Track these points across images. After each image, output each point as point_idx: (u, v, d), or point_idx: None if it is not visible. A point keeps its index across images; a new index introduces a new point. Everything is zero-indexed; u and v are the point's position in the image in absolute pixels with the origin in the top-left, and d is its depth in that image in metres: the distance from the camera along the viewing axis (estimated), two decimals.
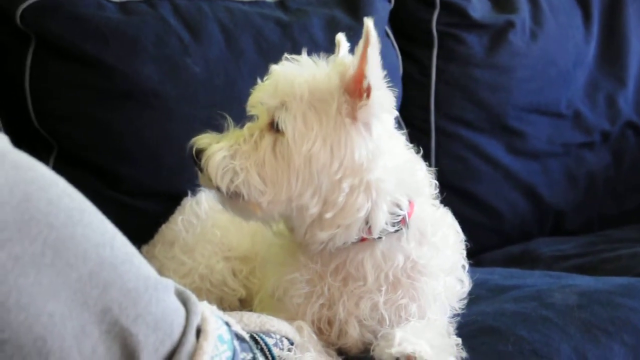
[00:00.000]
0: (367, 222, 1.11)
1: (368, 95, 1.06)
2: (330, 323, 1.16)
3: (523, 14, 2.03)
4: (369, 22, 1.03)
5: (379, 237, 1.13)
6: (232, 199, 1.10)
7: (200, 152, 1.12)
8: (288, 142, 1.07)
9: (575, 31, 2.10)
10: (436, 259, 1.18)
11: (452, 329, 1.18)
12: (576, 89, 2.08)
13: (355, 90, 1.07)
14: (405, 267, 1.15)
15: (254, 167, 1.08)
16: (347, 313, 1.14)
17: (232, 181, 1.09)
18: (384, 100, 1.09)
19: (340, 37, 1.22)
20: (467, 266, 1.26)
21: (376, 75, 1.06)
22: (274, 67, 1.15)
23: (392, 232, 1.13)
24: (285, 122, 1.08)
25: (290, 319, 1.14)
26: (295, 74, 1.11)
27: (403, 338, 1.04)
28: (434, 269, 1.17)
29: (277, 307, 1.18)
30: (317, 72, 1.11)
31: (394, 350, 1.02)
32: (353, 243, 1.12)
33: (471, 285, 1.25)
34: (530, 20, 2.04)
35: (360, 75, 1.05)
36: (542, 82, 2.03)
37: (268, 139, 1.09)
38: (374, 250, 1.14)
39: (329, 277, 1.14)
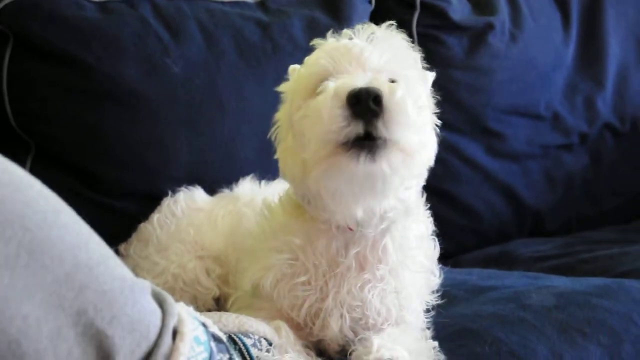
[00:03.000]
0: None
1: None
2: (316, 315, 1.14)
3: (503, 16, 2.04)
4: None
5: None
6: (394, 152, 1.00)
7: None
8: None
9: (554, 34, 2.11)
10: (421, 248, 1.18)
11: (428, 332, 1.18)
12: (555, 91, 2.10)
13: None
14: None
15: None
16: (338, 302, 1.12)
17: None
18: None
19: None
20: (437, 255, 1.24)
21: None
22: None
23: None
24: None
25: (276, 314, 1.14)
26: None
27: (380, 344, 1.04)
28: (420, 259, 1.17)
29: (259, 304, 1.17)
30: None
31: (372, 357, 1.02)
32: None
33: (442, 277, 1.24)
34: (510, 23, 2.05)
35: None
36: (522, 84, 2.04)
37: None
38: (393, 233, 1.13)
39: (337, 268, 1.12)
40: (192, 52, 1.66)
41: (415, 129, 1.00)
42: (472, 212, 2.01)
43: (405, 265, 1.14)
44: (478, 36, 2.00)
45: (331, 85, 1.00)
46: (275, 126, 1.16)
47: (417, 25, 1.98)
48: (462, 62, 1.99)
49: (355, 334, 1.13)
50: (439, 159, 1.93)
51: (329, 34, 1.14)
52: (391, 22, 1.15)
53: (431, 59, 1.96)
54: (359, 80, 0.98)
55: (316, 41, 1.13)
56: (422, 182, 1.14)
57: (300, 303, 1.14)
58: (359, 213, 1.05)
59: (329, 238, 1.12)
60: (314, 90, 1.05)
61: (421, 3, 1.98)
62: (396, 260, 1.13)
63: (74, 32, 1.57)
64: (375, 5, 1.98)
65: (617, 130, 2.19)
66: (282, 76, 1.19)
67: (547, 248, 1.88)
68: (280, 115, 1.15)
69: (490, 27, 2.01)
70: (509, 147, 2.05)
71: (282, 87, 1.16)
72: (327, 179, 1.02)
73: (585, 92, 2.14)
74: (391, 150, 0.98)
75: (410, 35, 1.96)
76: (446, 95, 1.96)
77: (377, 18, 1.95)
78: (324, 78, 1.05)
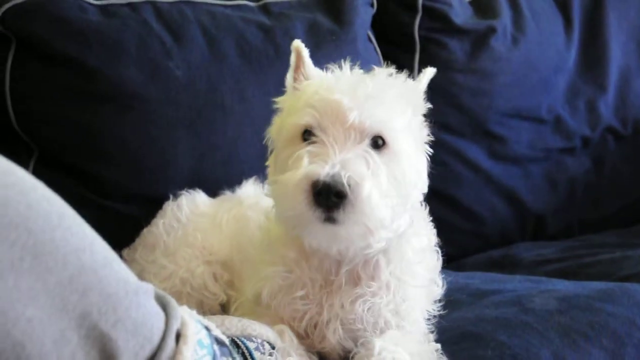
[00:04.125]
0: None
1: None
2: (315, 326, 1.15)
3: (505, 19, 2.04)
4: None
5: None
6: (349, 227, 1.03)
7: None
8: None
9: (556, 37, 2.11)
10: (423, 263, 1.18)
11: (431, 335, 1.18)
12: (557, 94, 2.10)
13: None
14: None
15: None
16: (332, 316, 1.13)
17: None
18: None
19: (299, 44, 1.18)
20: (440, 267, 1.25)
21: None
22: None
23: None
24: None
25: (278, 320, 1.15)
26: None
27: (382, 347, 1.04)
28: (421, 273, 1.17)
29: (261, 311, 1.17)
30: None
31: None
32: None
33: (445, 287, 1.24)
34: (512, 26, 2.05)
35: None
36: (524, 87, 2.04)
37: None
38: (387, 250, 1.13)
39: (332, 285, 1.13)
40: (194, 56, 1.66)
41: (380, 217, 1.02)
42: (475, 215, 2.01)
43: (404, 281, 1.14)
44: (480, 39, 2.00)
45: (304, 163, 1.02)
46: (267, 137, 1.19)
47: (419, 29, 1.98)
48: (464, 65, 1.99)
49: (355, 343, 1.12)
50: (441, 162, 1.95)
51: (325, 68, 1.16)
52: (392, 67, 1.16)
53: (433, 63, 1.97)
54: (326, 168, 0.99)
55: (306, 84, 1.14)
56: (417, 206, 1.16)
57: (300, 316, 1.15)
58: (334, 251, 1.09)
59: (321, 256, 1.13)
60: (298, 138, 1.08)
61: (423, 6, 1.98)
62: (390, 276, 1.13)
63: (76, 35, 1.57)
64: (377, 9, 1.98)
65: (619, 134, 2.19)
66: (284, 79, 1.20)
67: (549, 252, 1.88)
68: (272, 131, 1.17)
69: (492, 30, 2.01)
70: (511, 150, 2.05)
71: (279, 100, 1.18)
72: (299, 234, 1.08)
73: (587, 96, 2.14)
74: (352, 224, 1.01)
75: (412, 38, 1.98)
76: (448, 98, 1.98)
77: (378, 21, 1.96)
78: (308, 128, 1.07)
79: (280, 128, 1.13)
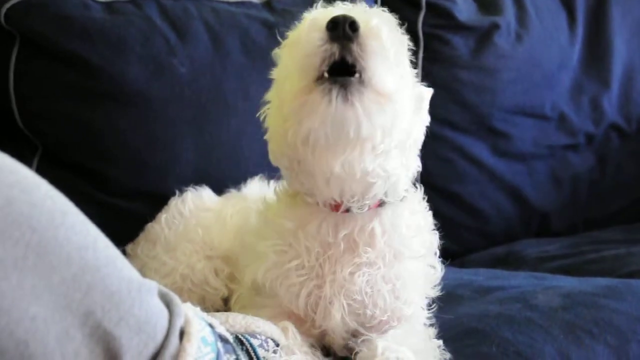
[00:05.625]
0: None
1: None
2: (317, 304, 1.13)
3: (508, 16, 2.03)
4: None
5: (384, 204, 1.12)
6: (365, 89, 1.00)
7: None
8: None
9: (560, 33, 2.11)
10: (417, 238, 1.17)
11: (433, 332, 1.18)
12: (561, 91, 2.09)
13: None
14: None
15: None
16: (336, 289, 1.11)
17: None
18: None
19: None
20: (438, 252, 1.23)
21: None
22: None
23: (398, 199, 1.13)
24: None
25: (278, 309, 1.14)
26: None
27: (385, 347, 1.04)
28: (416, 247, 1.16)
29: (261, 301, 1.17)
30: None
31: None
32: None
33: (444, 270, 1.22)
34: (516, 23, 2.04)
35: None
36: (527, 84, 2.04)
37: None
38: (382, 217, 1.13)
39: (330, 250, 1.12)
40: (198, 53, 1.67)
41: (391, 66, 1.01)
42: (478, 212, 2.01)
43: (399, 253, 1.13)
44: (484, 36, 2.00)
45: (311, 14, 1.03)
46: (266, 107, 1.16)
47: (423, 25, 1.98)
48: (468, 62, 1.99)
49: (358, 324, 1.12)
50: (444, 158, 1.95)
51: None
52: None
53: (437, 59, 1.99)
54: (337, 9, 1.01)
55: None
56: (412, 169, 1.14)
57: (296, 291, 1.13)
58: (337, 167, 1.03)
59: (320, 220, 1.12)
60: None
61: (427, 3, 1.98)
62: (385, 246, 1.12)
63: (80, 32, 1.57)
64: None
65: (623, 131, 2.18)
66: None
67: (553, 248, 1.88)
68: (271, 95, 1.15)
69: (495, 27, 2.00)
70: (515, 147, 2.05)
71: (274, 73, 1.16)
72: (301, 118, 1.01)
73: (591, 92, 2.14)
74: (364, 90, 0.98)
75: (415, 35, 1.98)
76: (452, 95, 1.98)
77: None
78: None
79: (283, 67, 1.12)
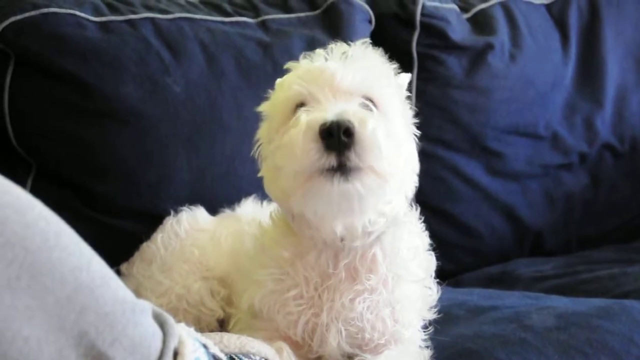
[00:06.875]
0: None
1: None
2: (313, 331, 1.13)
3: (502, 36, 2.04)
4: None
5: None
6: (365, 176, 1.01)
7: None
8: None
9: (553, 53, 2.12)
10: (416, 260, 1.17)
11: (428, 353, 1.18)
12: (554, 110, 2.10)
13: None
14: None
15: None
16: (333, 316, 1.11)
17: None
18: None
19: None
20: (433, 270, 1.23)
21: None
22: None
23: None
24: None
25: (274, 333, 1.13)
26: None
27: None
28: (415, 270, 1.16)
29: (258, 324, 1.16)
30: None
31: None
32: None
33: (440, 293, 1.22)
34: (509, 43, 2.05)
35: None
36: (521, 103, 2.04)
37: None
38: (382, 242, 1.13)
39: (329, 280, 1.11)
40: (193, 72, 1.67)
41: (388, 156, 1.01)
42: (472, 231, 2.01)
43: (399, 277, 1.13)
44: (477, 56, 2.01)
45: (303, 117, 1.01)
46: (258, 144, 1.17)
47: (417, 45, 1.99)
48: (462, 81, 2.00)
49: (354, 347, 1.12)
50: (438, 178, 1.96)
51: (302, 56, 1.15)
52: (365, 39, 1.17)
53: (431, 79, 1.99)
54: (330, 112, 0.99)
55: (290, 64, 1.14)
56: (410, 194, 1.14)
57: (295, 319, 1.13)
58: (339, 229, 1.06)
59: (319, 251, 1.12)
60: (290, 114, 1.07)
61: (421, 23, 1.99)
62: (387, 271, 1.12)
63: (75, 51, 1.58)
64: (375, 25, 1.98)
65: (617, 150, 2.19)
66: None
67: (547, 268, 1.88)
68: (262, 133, 1.16)
69: (489, 47, 2.01)
70: (509, 166, 2.05)
71: (262, 107, 1.17)
72: (306, 202, 1.03)
73: (585, 112, 2.14)
74: (364, 173, 1.00)
75: (409, 55, 1.99)
76: (446, 114, 1.99)
77: (377, 38, 1.96)
78: (298, 102, 1.07)
79: (273, 106, 1.13)
